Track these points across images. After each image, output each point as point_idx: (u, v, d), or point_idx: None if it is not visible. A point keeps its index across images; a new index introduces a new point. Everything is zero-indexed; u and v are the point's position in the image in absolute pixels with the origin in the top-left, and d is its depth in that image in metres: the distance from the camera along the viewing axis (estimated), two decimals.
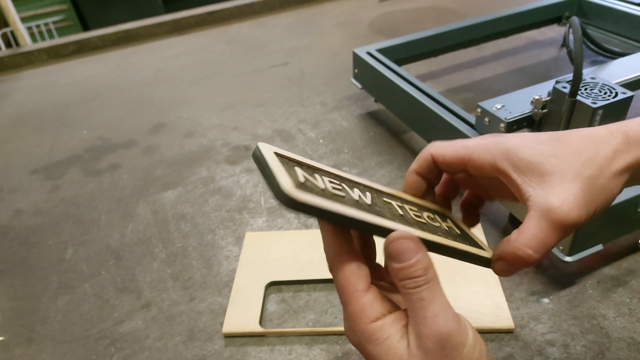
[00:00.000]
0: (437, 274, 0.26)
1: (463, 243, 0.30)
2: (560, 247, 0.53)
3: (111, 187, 0.79)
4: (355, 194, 0.28)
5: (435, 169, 0.33)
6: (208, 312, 0.56)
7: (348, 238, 0.28)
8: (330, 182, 0.28)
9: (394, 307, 0.28)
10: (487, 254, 0.31)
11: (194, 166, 0.82)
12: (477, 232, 0.33)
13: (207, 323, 0.55)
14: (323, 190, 0.26)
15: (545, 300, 0.54)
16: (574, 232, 0.50)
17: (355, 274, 0.27)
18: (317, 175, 0.27)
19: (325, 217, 0.25)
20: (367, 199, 0.28)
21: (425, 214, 0.32)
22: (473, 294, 0.54)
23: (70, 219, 0.73)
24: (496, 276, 0.56)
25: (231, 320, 0.54)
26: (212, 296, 0.58)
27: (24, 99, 1.14)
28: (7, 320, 0.58)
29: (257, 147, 0.28)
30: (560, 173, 0.28)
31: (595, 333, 0.50)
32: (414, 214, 0.30)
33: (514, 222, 0.63)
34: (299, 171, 0.27)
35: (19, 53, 1.33)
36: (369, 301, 0.26)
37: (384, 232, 0.27)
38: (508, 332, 0.51)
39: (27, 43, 1.62)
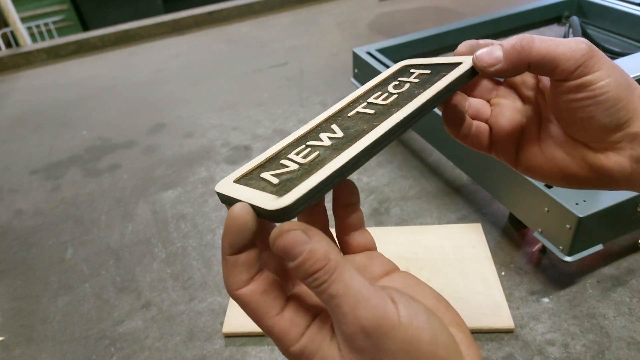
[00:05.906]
0: (340, 255, 0.21)
1: (430, 85, 0.30)
2: (560, 247, 0.53)
3: (111, 187, 0.79)
4: (325, 139, 0.27)
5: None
6: (208, 312, 0.56)
7: (253, 255, 0.23)
8: (298, 153, 0.26)
9: (317, 308, 0.24)
10: (464, 65, 0.30)
11: (193, 166, 0.82)
12: None
13: (207, 323, 0.55)
14: (298, 168, 0.25)
15: (545, 299, 0.54)
16: (574, 232, 0.50)
17: (263, 300, 0.23)
18: (283, 161, 0.26)
19: (320, 194, 0.23)
20: (338, 132, 0.27)
21: (391, 84, 0.34)
22: (473, 294, 0.54)
23: (70, 219, 0.73)
24: (496, 276, 0.56)
25: (231, 320, 0.54)
26: (212, 296, 0.58)
27: (24, 99, 1.14)
28: (7, 320, 0.58)
29: (218, 193, 0.26)
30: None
31: (595, 332, 0.50)
32: (383, 98, 0.32)
33: (514, 222, 0.63)
34: (267, 175, 0.25)
35: (19, 53, 1.33)
36: (287, 324, 0.22)
37: (370, 154, 0.26)
38: (508, 331, 0.51)
39: (27, 43, 1.62)
